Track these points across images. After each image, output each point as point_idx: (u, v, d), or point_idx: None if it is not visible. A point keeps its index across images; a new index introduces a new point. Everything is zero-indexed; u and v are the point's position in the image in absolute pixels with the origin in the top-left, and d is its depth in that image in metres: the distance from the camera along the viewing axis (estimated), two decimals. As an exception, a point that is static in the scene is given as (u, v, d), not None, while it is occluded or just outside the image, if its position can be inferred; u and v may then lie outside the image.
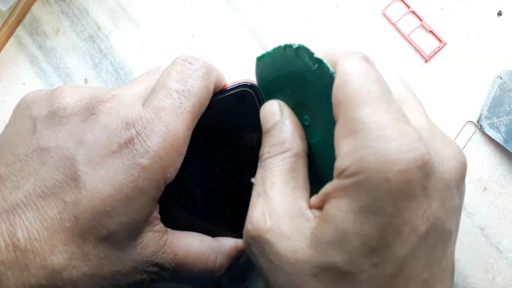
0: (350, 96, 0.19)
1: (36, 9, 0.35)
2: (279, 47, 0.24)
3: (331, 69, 0.21)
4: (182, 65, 0.24)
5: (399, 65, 0.33)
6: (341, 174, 0.19)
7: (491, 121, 0.32)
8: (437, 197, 0.19)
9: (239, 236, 0.28)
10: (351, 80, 0.20)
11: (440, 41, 0.33)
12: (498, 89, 0.32)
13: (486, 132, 0.32)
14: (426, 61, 0.33)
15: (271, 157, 0.23)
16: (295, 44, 0.23)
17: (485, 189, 0.32)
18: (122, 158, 0.21)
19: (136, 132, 0.22)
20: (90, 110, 0.23)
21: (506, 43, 0.33)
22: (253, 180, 0.24)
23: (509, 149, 0.31)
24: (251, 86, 0.26)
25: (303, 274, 0.20)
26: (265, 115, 0.25)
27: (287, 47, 0.23)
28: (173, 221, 0.25)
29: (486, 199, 0.32)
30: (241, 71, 0.33)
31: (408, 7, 0.33)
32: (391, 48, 0.33)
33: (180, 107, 0.23)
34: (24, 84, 0.34)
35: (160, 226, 0.24)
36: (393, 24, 0.33)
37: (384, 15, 0.33)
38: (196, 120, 0.24)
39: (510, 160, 0.32)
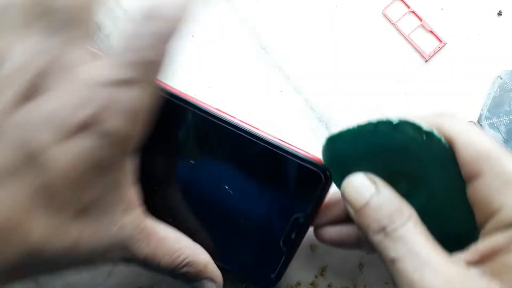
0: (485, 152, 0.21)
1: (36, 9, 0.35)
2: (368, 124, 0.24)
3: (442, 139, 0.22)
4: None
5: (399, 65, 0.33)
6: None
7: (491, 121, 0.32)
8: None
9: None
10: (477, 139, 0.22)
11: (440, 41, 0.33)
12: (498, 89, 0.32)
13: (486, 132, 0.32)
14: (426, 61, 0.33)
15: (401, 226, 0.22)
16: (394, 120, 0.23)
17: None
18: (82, 138, 0.20)
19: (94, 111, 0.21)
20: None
21: (506, 43, 0.33)
22: (392, 255, 0.21)
23: (510, 149, 0.31)
24: (328, 173, 0.26)
25: None
26: (356, 187, 0.24)
27: (381, 123, 0.23)
28: (158, 211, 0.25)
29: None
30: (240, 71, 0.33)
31: (408, 7, 0.33)
32: (391, 48, 0.33)
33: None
34: (24, 84, 0.34)
35: (138, 211, 0.24)
36: (393, 24, 0.33)
37: (384, 15, 0.33)
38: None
39: (510, 160, 0.32)
